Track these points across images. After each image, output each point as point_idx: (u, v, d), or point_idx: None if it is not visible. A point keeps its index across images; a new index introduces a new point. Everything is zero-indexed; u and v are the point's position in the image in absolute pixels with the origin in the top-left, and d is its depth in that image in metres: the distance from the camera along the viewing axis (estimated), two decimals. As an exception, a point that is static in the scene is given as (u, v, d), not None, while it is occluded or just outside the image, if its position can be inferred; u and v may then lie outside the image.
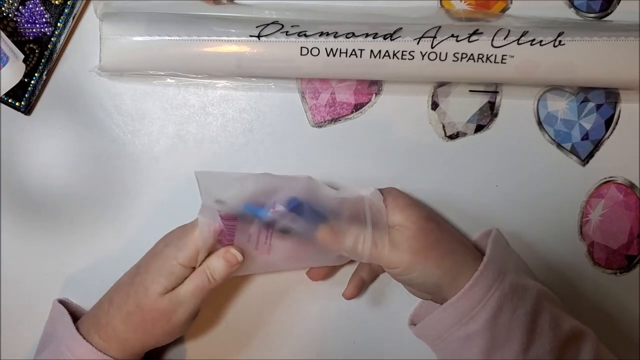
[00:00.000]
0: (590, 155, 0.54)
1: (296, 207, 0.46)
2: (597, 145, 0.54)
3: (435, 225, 0.46)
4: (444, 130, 0.54)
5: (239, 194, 0.45)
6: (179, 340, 0.54)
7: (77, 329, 0.46)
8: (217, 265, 0.45)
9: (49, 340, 0.48)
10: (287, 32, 0.48)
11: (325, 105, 0.53)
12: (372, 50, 0.49)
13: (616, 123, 0.54)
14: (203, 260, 0.45)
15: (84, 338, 0.45)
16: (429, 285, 0.46)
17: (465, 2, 0.53)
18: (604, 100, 0.53)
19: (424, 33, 0.49)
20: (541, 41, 0.49)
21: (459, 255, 0.46)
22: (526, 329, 0.44)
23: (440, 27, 0.49)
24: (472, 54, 0.49)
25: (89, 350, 0.45)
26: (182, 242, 0.45)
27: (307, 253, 0.47)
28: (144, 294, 0.44)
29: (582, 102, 0.53)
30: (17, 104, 0.51)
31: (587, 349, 0.45)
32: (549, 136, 0.54)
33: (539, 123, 0.54)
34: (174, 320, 0.45)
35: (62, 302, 0.50)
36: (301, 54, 0.49)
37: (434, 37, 0.48)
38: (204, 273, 0.45)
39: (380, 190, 0.48)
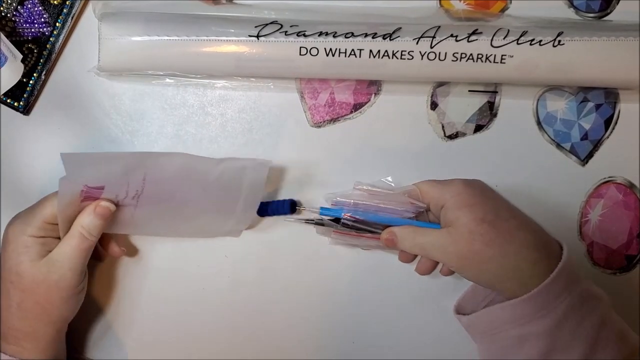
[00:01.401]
0: (590, 155, 0.54)
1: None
2: (597, 145, 0.54)
3: (488, 227, 0.44)
4: (443, 130, 0.53)
5: (106, 172, 0.45)
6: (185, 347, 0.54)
7: None
8: (90, 220, 0.45)
9: None
10: (286, 32, 0.48)
11: (325, 105, 0.53)
12: (371, 50, 0.49)
13: (615, 123, 0.54)
14: (67, 228, 0.45)
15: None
16: (482, 283, 0.46)
17: (464, 2, 0.52)
18: (603, 100, 0.53)
19: (423, 33, 0.49)
20: (540, 41, 0.49)
21: (511, 258, 0.44)
22: (590, 340, 0.43)
23: (439, 27, 0.49)
24: (471, 54, 0.49)
25: None
26: (30, 216, 0.45)
27: (177, 216, 0.49)
28: (19, 278, 0.44)
29: (582, 102, 0.53)
30: (15, 104, 0.51)
31: None
32: (549, 136, 0.54)
33: (539, 123, 0.54)
34: (62, 284, 0.45)
35: None
36: (300, 54, 0.49)
37: (433, 37, 0.48)
38: (77, 232, 0.45)
39: (445, 182, 0.47)
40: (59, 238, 0.46)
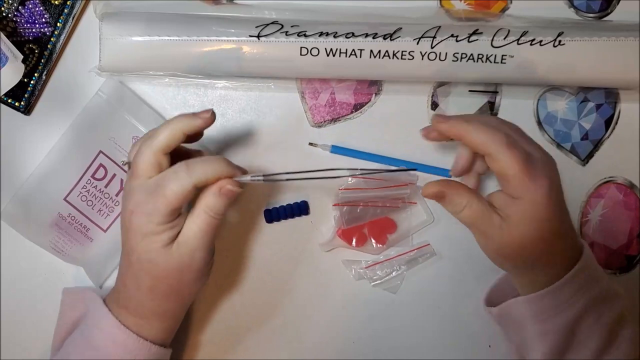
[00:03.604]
0: (590, 155, 0.54)
1: None
2: (597, 145, 0.54)
3: (549, 216, 0.41)
4: (444, 130, 0.54)
5: None
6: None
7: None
8: (215, 202, 0.42)
9: (80, 322, 0.47)
10: (286, 32, 0.48)
11: (325, 105, 0.53)
12: (371, 50, 0.49)
13: (616, 123, 0.54)
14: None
15: (121, 322, 0.44)
16: (508, 264, 0.45)
17: (465, 2, 0.53)
18: (603, 100, 0.53)
19: (424, 33, 0.49)
20: (541, 41, 0.49)
21: (552, 249, 0.43)
22: (606, 336, 0.43)
23: (440, 27, 0.49)
24: (471, 54, 0.49)
25: (121, 331, 0.44)
26: (151, 207, 0.41)
27: None
28: (151, 266, 0.42)
29: (582, 102, 0.53)
30: (16, 104, 0.51)
31: None
32: (549, 136, 0.54)
33: (539, 123, 0.54)
34: (195, 266, 0.43)
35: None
36: (301, 54, 0.49)
37: (434, 37, 0.48)
38: (204, 214, 0.42)
39: (533, 171, 0.41)
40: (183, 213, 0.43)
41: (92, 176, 0.51)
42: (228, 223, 0.53)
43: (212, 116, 0.44)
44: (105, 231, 0.52)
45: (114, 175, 0.51)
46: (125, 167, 0.48)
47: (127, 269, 0.44)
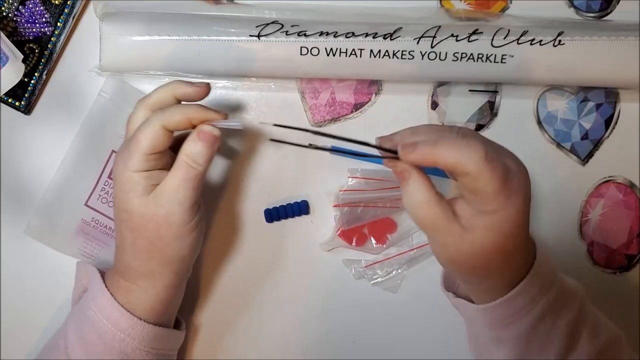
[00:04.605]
0: (590, 154, 0.54)
1: None
2: (597, 144, 0.54)
3: (514, 239, 0.38)
4: (444, 130, 0.54)
5: None
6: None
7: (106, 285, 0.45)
8: (196, 149, 0.41)
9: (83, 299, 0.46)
10: (286, 31, 0.48)
11: (325, 104, 0.53)
12: (372, 50, 0.49)
13: (616, 122, 0.54)
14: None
15: (111, 293, 0.44)
16: (463, 273, 0.42)
17: (465, 2, 0.53)
18: (603, 99, 0.53)
19: (424, 33, 0.49)
20: (541, 41, 0.49)
21: (510, 263, 0.39)
22: (565, 338, 0.41)
23: (440, 26, 0.49)
24: (471, 54, 0.49)
25: (114, 307, 0.43)
26: (127, 153, 0.42)
27: None
28: (128, 216, 0.42)
29: (582, 101, 0.53)
30: (17, 103, 0.51)
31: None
32: (549, 136, 0.54)
33: (539, 122, 0.54)
34: (172, 219, 0.41)
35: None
36: (301, 54, 0.49)
37: (434, 37, 0.49)
38: (184, 163, 0.41)
39: (512, 180, 0.36)
40: (166, 169, 0.43)
41: (109, 177, 0.51)
42: (228, 223, 0.53)
43: (207, 88, 0.45)
44: None
45: None
46: None
47: (114, 227, 0.45)
